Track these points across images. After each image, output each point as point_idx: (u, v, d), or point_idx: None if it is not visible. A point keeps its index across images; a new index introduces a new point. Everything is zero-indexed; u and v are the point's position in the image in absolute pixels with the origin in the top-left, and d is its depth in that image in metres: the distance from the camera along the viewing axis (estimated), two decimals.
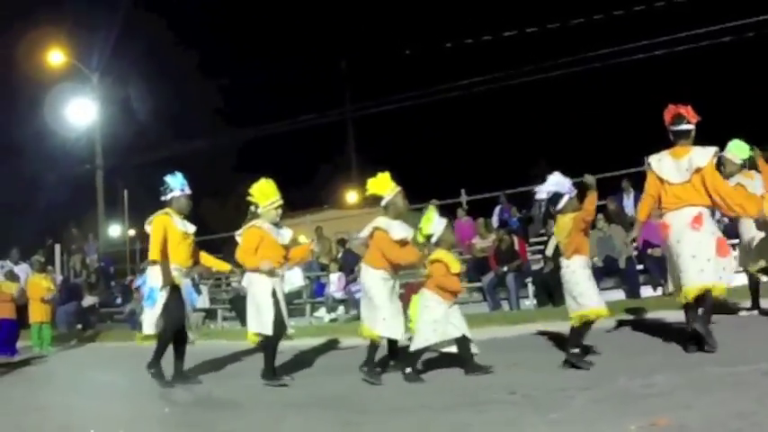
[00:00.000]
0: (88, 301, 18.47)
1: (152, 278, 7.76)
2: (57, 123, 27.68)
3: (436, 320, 6.80)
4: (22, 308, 13.58)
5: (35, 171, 32.72)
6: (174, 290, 7.72)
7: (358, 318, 14.18)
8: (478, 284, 13.95)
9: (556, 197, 6.89)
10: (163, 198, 8.09)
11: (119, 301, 19.54)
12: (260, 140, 34.53)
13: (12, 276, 13.77)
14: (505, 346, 9.35)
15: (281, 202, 7.87)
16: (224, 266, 9.12)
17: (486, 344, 9.29)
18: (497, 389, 5.77)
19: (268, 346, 7.50)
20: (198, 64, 41.09)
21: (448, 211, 18.98)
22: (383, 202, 7.71)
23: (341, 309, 14.98)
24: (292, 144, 42.65)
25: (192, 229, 8.24)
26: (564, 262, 6.69)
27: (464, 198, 19.49)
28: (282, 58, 53.79)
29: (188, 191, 8.15)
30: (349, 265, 15.81)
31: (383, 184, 7.72)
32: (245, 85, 39.81)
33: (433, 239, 7.14)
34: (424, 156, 39.84)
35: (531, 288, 13.22)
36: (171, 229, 7.87)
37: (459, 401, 5.46)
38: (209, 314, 17.38)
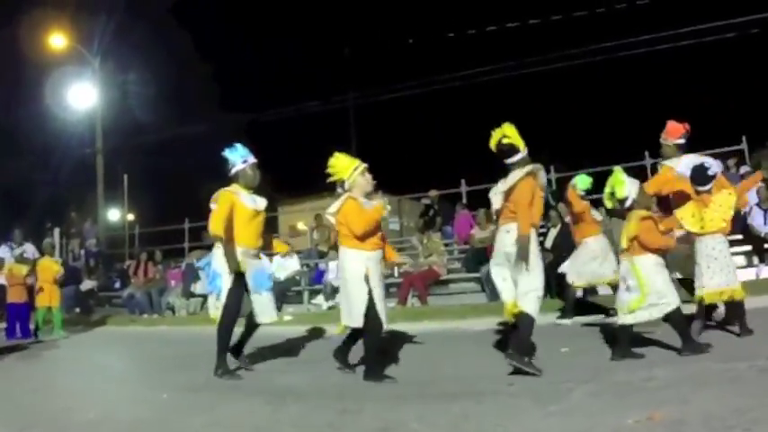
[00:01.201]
0: (87, 285, 18.51)
1: (217, 261, 7.18)
2: (57, 107, 27.65)
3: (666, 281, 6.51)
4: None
5: (35, 155, 32.71)
6: (238, 276, 7.11)
7: None
8: (477, 275, 13.98)
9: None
10: (229, 175, 7.49)
11: (117, 285, 19.58)
12: (261, 126, 34.51)
13: (22, 259, 13.69)
14: (505, 337, 9.38)
15: (364, 164, 6.98)
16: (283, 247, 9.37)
17: (485, 335, 9.35)
18: (496, 380, 5.78)
19: (367, 341, 6.62)
20: (200, 49, 41.00)
21: (449, 201, 19.04)
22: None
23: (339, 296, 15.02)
24: (294, 131, 42.66)
25: (263, 204, 7.52)
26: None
27: (464, 188, 19.50)
28: (286, 45, 53.82)
29: (252, 160, 7.54)
30: None
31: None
32: (248, 71, 39.82)
33: (628, 203, 6.69)
34: (425, 145, 39.90)
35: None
36: (238, 207, 7.22)
37: (458, 392, 5.48)
38: (208, 300, 17.39)
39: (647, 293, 6.36)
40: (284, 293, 15.81)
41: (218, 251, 7.15)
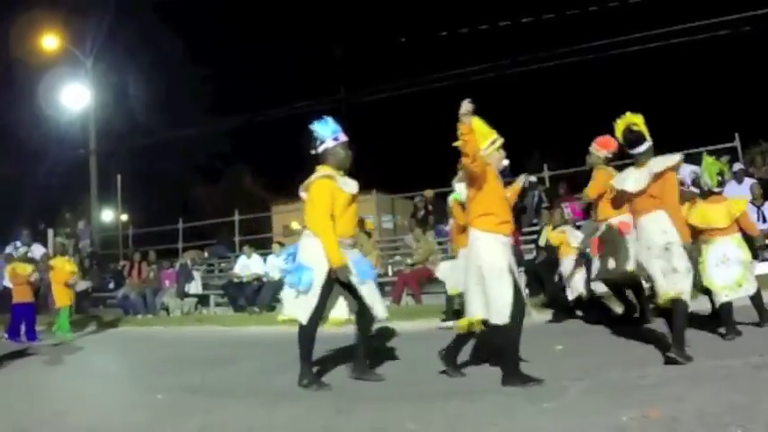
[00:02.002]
0: (81, 286, 18.43)
1: (308, 253, 6.29)
2: (50, 108, 27.61)
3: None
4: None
5: (28, 155, 32.61)
6: (329, 272, 6.26)
7: None
8: None
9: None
10: (314, 152, 6.56)
11: (111, 286, 19.54)
12: (254, 127, 34.49)
13: (27, 258, 13.49)
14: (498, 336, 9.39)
15: (501, 139, 6.23)
16: None
17: (480, 333, 9.35)
18: (491, 378, 5.78)
19: (507, 338, 5.76)
20: (192, 50, 40.89)
21: (443, 201, 19.04)
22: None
23: None
24: (286, 131, 42.58)
25: (356, 187, 6.61)
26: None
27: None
28: (278, 45, 53.70)
29: (343, 137, 6.59)
30: None
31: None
32: (240, 71, 39.74)
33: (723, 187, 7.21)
34: (418, 144, 39.84)
35: (523, 277, 13.24)
36: (338, 194, 6.38)
37: (453, 390, 5.48)
38: (202, 300, 17.40)
39: (749, 268, 7.09)
40: (278, 293, 15.81)
41: (308, 241, 6.34)
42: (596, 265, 8.65)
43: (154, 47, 35.97)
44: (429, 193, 18.69)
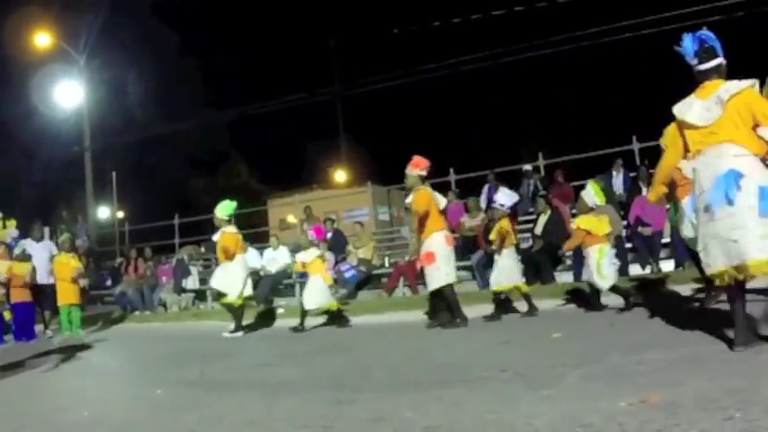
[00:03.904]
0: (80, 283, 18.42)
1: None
2: (44, 106, 27.58)
3: None
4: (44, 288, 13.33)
5: (23, 153, 32.57)
6: None
7: (348, 297, 14.29)
8: (468, 263, 14.00)
9: None
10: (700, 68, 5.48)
11: (108, 282, 19.54)
12: (248, 120, 34.40)
13: (24, 257, 13.25)
14: (496, 324, 9.42)
15: None
16: None
17: (477, 322, 9.37)
18: (489, 366, 5.78)
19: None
20: (185, 44, 40.78)
21: (439, 190, 19.06)
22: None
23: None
24: (281, 124, 42.55)
25: None
26: None
27: (453, 177, 19.53)
28: (271, 38, 53.60)
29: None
30: (338, 244, 15.86)
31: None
32: (234, 64, 39.64)
33: None
34: (413, 135, 39.81)
35: (519, 266, 13.27)
36: None
37: (451, 379, 5.48)
38: (200, 295, 17.41)
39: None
40: (276, 287, 15.83)
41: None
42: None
43: (147, 42, 35.89)
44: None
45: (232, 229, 11.32)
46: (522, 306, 10.02)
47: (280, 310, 13.37)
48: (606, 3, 22.64)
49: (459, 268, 14.53)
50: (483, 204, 16.21)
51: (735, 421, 3.32)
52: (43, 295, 13.42)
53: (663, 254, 12.67)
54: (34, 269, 13.05)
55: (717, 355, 5.05)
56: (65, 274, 13.04)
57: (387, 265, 16.02)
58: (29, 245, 14.27)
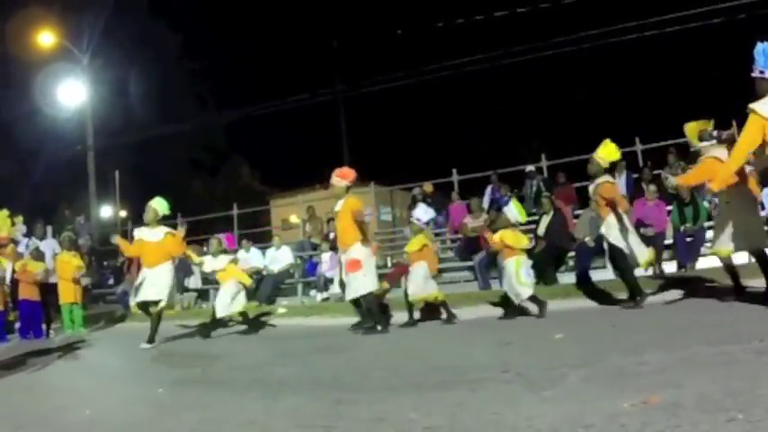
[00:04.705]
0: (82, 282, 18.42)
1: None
2: (47, 105, 27.60)
3: None
4: (52, 287, 13.29)
5: (26, 152, 32.59)
6: None
7: None
8: (470, 263, 13.99)
9: None
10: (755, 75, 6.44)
11: (110, 281, 19.53)
12: (251, 121, 34.45)
13: (38, 255, 13.31)
14: (497, 325, 9.40)
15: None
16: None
17: (478, 322, 9.37)
18: (490, 367, 5.78)
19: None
20: (188, 44, 40.79)
21: (440, 191, 19.06)
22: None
23: (332, 288, 15.01)
24: (284, 124, 42.58)
25: None
26: None
27: (455, 178, 19.52)
28: (274, 39, 53.61)
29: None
30: None
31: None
32: (236, 65, 39.65)
33: None
34: (416, 136, 39.85)
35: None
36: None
37: (452, 380, 5.47)
38: (202, 294, 17.40)
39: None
40: (278, 286, 15.83)
41: None
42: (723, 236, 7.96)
43: (150, 42, 35.90)
44: (428, 187, 18.73)
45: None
46: (532, 308, 9.95)
47: (281, 310, 13.38)
48: (609, 5, 22.59)
49: (461, 269, 14.58)
50: (486, 205, 16.23)
51: (737, 423, 3.31)
52: (49, 294, 13.41)
53: (665, 255, 12.64)
54: (47, 270, 13.04)
55: (717, 357, 5.04)
56: (66, 273, 13.06)
57: (389, 265, 16.02)
58: (33, 244, 14.35)
